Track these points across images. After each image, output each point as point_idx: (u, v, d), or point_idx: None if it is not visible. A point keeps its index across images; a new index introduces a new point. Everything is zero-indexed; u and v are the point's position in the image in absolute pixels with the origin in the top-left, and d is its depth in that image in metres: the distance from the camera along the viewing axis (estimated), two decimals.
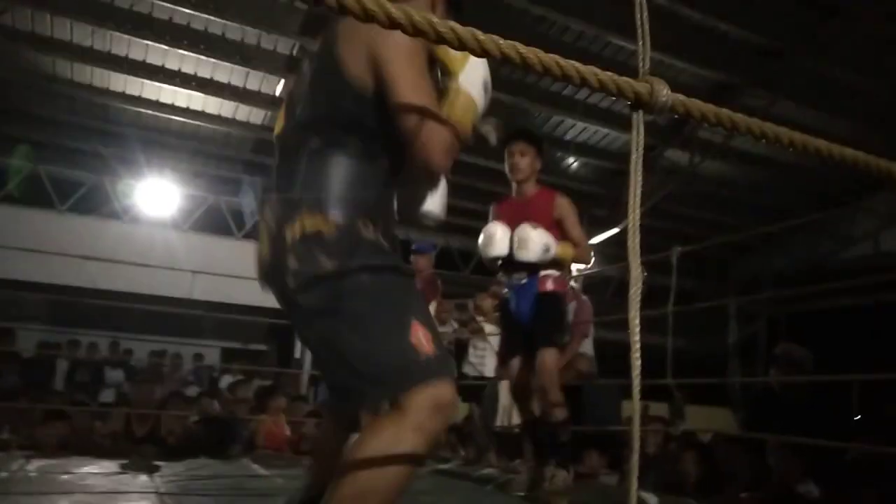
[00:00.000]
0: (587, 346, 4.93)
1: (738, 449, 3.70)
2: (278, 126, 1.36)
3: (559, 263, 2.89)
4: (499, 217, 3.03)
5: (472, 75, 1.34)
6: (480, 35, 0.83)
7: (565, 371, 4.75)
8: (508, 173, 3.01)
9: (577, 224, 2.95)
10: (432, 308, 4.94)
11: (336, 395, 1.32)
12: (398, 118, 1.19)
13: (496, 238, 2.87)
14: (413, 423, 1.07)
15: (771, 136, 0.93)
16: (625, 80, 0.90)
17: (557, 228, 2.89)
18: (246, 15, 6.15)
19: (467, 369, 5.37)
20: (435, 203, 1.49)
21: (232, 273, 6.17)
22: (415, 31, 0.76)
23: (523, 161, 2.93)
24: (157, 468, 3.59)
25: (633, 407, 0.79)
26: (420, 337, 1.12)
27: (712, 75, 6.94)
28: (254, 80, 7.09)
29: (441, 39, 0.73)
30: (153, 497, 2.76)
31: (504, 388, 4.91)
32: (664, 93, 0.91)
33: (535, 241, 2.76)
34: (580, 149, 8.41)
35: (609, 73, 0.90)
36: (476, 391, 5.20)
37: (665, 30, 5.73)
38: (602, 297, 6.69)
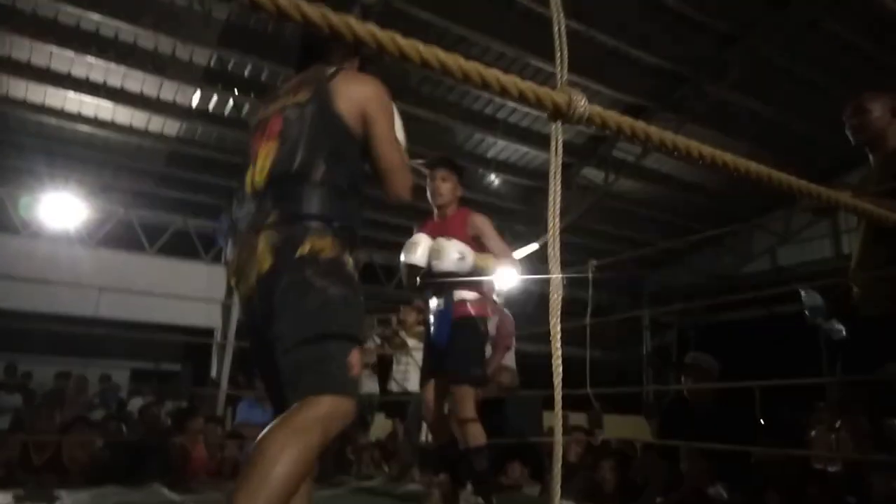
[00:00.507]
0: (509, 359, 5.01)
1: (654, 455, 3.86)
2: (268, 159, 1.59)
3: (481, 276, 2.90)
4: None
5: (397, 123, 1.71)
6: (400, 39, 0.84)
7: (487, 386, 4.82)
8: (430, 197, 3.10)
9: (495, 237, 3.00)
10: None
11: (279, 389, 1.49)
12: (380, 162, 1.61)
13: (418, 247, 2.92)
14: (314, 420, 1.32)
15: (682, 149, 0.98)
16: (544, 91, 0.94)
17: (476, 244, 2.94)
18: (160, 23, 5.94)
19: (391, 385, 5.34)
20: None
21: (144, 290, 5.93)
22: (333, 31, 0.76)
23: (444, 186, 3.04)
24: (56, 498, 3.36)
25: (555, 413, 0.81)
26: (355, 360, 1.45)
27: (626, 98, 7.29)
28: (168, 91, 6.82)
29: (360, 40, 0.73)
30: None
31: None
32: (582, 103, 0.95)
33: (449, 250, 2.81)
34: (501, 166, 8.61)
35: (529, 83, 0.93)
36: (400, 407, 5.17)
37: (581, 53, 5.98)
38: (523, 311, 6.82)
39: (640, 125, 1.04)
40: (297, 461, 1.25)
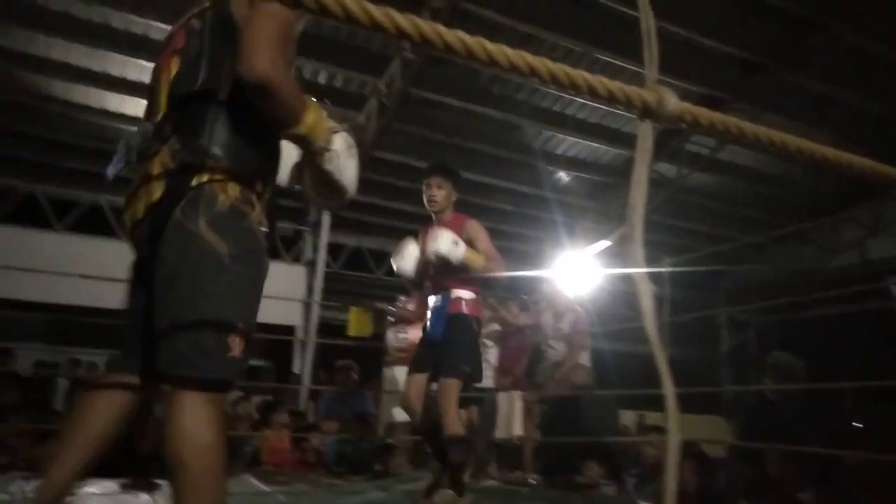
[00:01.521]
0: (584, 358, 4.99)
1: (737, 458, 3.76)
2: (169, 79, 1.42)
3: (472, 283, 3.05)
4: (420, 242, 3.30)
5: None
6: (489, 45, 0.88)
7: (562, 383, 4.82)
8: (426, 204, 3.22)
9: (488, 242, 3.15)
10: None
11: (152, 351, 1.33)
12: (245, 30, 1.28)
13: (406, 253, 3.17)
14: (216, 412, 1.24)
15: (778, 143, 0.98)
16: (633, 90, 0.95)
17: (471, 248, 3.08)
18: None
19: None
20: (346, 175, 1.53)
21: None
22: (403, 35, 0.81)
23: (440, 193, 3.16)
24: (157, 486, 3.57)
25: (669, 419, 0.81)
26: (236, 341, 1.27)
27: (699, 90, 7.09)
28: None
29: (450, 48, 0.77)
30: None
31: (503, 398, 4.96)
32: (672, 101, 0.96)
33: (444, 235, 2.96)
34: (570, 163, 8.53)
35: (617, 83, 0.95)
36: (472, 402, 5.23)
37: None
38: (598, 309, 6.76)
39: (732, 121, 1.04)
40: (220, 456, 1.25)
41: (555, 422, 4.70)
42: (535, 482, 4.55)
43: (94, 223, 7.76)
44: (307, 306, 8.09)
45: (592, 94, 0.94)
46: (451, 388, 2.89)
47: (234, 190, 1.31)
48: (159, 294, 1.30)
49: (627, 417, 7.10)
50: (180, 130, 1.34)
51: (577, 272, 7.41)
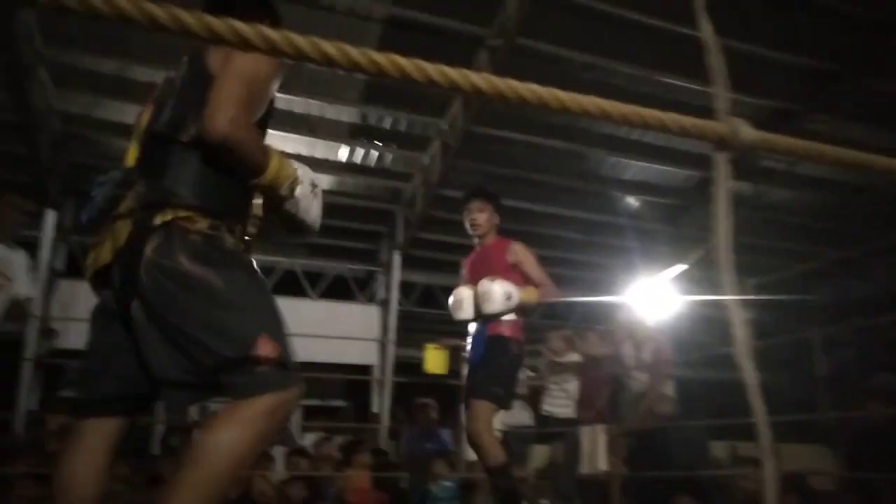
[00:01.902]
0: (668, 388, 4.82)
1: (845, 490, 3.52)
2: (143, 120, 1.48)
3: (525, 310, 2.95)
4: (465, 272, 3.23)
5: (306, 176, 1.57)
6: (562, 94, 0.91)
7: (647, 415, 4.67)
8: (469, 229, 3.17)
9: (535, 266, 3.02)
10: None
11: (161, 388, 1.34)
12: (213, 91, 1.33)
13: (463, 302, 3.03)
14: (250, 421, 1.21)
15: (865, 164, 0.95)
16: (706, 124, 0.95)
17: (516, 273, 2.98)
18: (310, 88, 6.55)
19: (546, 410, 5.32)
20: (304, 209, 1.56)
21: (310, 332, 6.39)
22: (456, 89, 0.85)
23: (481, 217, 3.11)
24: None
25: (763, 449, 0.79)
26: (266, 349, 1.25)
27: (770, 104, 6.87)
28: (320, 149, 7.45)
29: (523, 100, 0.81)
30: None
31: (586, 432, 4.84)
32: (746, 131, 0.96)
33: (496, 293, 2.85)
34: (639, 188, 8.39)
35: (690, 119, 0.96)
36: (555, 437, 5.13)
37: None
38: (680, 335, 6.54)
39: (811, 146, 1.02)
40: (235, 460, 1.21)
41: (642, 456, 4.54)
42: None
43: None
44: (382, 345, 8.21)
45: (665, 130, 0.95)
46: (482, 411, 2.74)
47: (202, 223, 1.32)
48: (153, 336, 1.28)
49: (719, 449, 6.75)
50: (146, 173, 1.39)
51: (655, 299, 7.21)
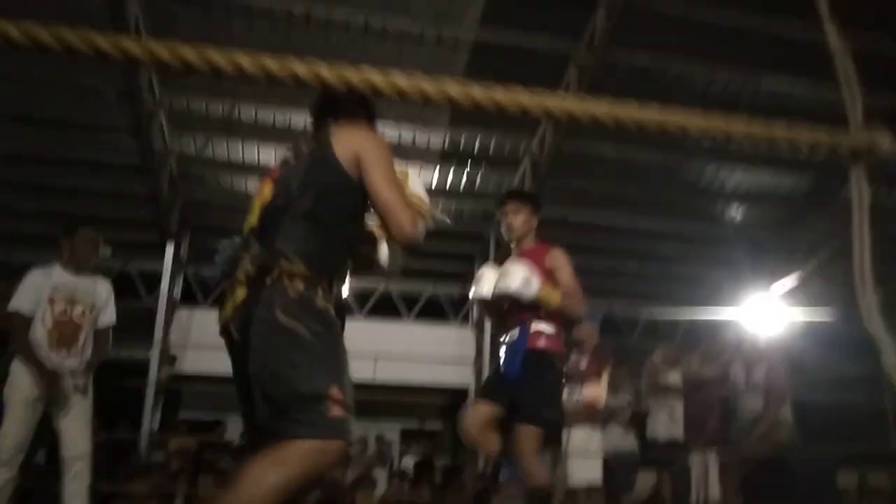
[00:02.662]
0: (785, 412, 4.50)
1: None
2: (260, 200, 1.71)
3: (555, 316, 2.78)
4: None
5: (416, 184, 1.82)
6: (676, 115, 0.87)
7: (763, 441, 4.36)
8: (504, 233, 3.07)
9: (570, 274, 2.86)
10: (605, 378, 4.81)
11: (252, 422, 1.54)
12: (377, 204, 1.63)
13: (483, 277, 2.94)
14: (296, 455, 1.36)
15: None
16: (840, 137, 0.88)
17: (553, 280, 2.81)
18: (401, 117, 6.74)
19: (650, 434, 5.10)
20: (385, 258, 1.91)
21: (406, 355, 6.56)
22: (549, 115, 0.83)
23: (517, 219, 2.97)
24: None
25: None
26: (335, 400, 1.42)
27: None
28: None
29: (663, 127, 0.78)
30: None
31: (696, 459, 4.60)
32: (887, 142, 0.87)
33: (517, 272, 2.73)
34: (745, 196, 7.96)
35: (821, 133, 0.88)
36: (662, 461, 4.90)
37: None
38: (796, 355, 6.09)
39: None
40: (273, 488, 1.33)
41: (759, 485, 4.24)
42: None
43: None
44: (477, 367, 8.21)
45: (793, 145, 0.89)
46: (533, 437, 2.63)
47: (300, 284, 1.52)
48: (255, 382, 1.50)
49: (846, 479, 6.20)
50: (262, 238, 1.61)
51: (766, 315, 6.77)
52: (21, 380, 3.30)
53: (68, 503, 3.30)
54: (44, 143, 6.79)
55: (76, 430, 3.37)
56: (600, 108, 0.87)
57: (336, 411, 1.41)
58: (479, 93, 0.85)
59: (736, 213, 8.23)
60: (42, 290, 3.46)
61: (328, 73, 0.80)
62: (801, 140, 0.87)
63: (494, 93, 0.85)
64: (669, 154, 7.19)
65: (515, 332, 2.79)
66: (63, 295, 3.49)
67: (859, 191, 0.87)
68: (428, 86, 0.82)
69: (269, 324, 1.48)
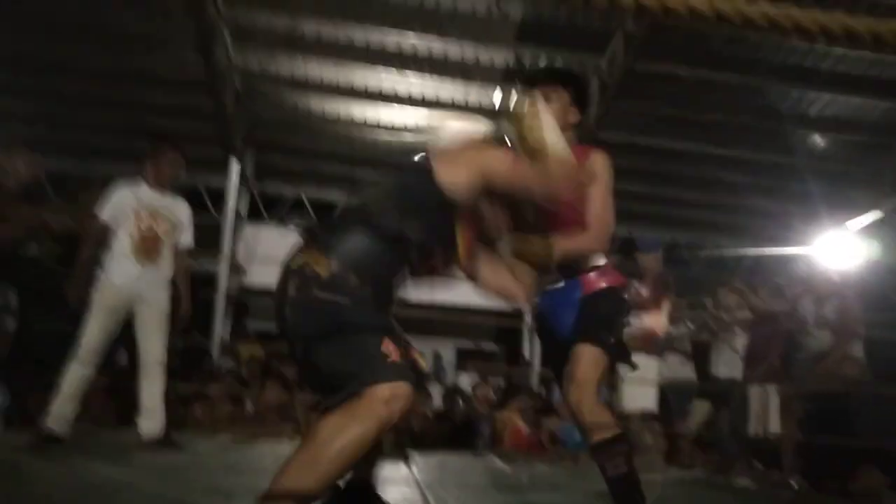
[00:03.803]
0: (857, 349, 4.35)
1: None
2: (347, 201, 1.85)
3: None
4: None
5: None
6: (771, 10, 0.78)
7: (829, 376, 4.25)
8: None
9: (601, 195, 2.12)
10: (665, 308, 4.74)
11: (323, 394, 1.58)
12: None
13: None
14: (368, 408, 1.40)
15: None
16: None
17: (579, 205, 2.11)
18: (464, 34, 6.50)
19: (715, 371, 5.05)
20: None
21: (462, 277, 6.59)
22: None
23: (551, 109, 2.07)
24: (409, 456, 3.91)
25: None
26: (389, 349, 1.47)
27: None
28: (474, 95, 7.43)
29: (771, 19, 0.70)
30: (415, 487, 3.03)
31: (755, 392, 4.54)
32: None
33: None
34: (827, 124, 7.44)
35: None
36: (722, 395, 4.87)
37: None
38: (871, 291, 5.82)
39: None
40: (349, 443, 1.38)
41: (822, 420, 4.16)
42: (796, 486, 4.09)
43: None
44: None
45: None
46: (589, 355, 2.00)
47: (330, 266, 1.55)
48: (302, 356, 1.57)
49: None
50: (320, 230, 1.72)
51: (842, 250, 6.46)
52: (106, 287, 3.50)
53: (146, 402, 3.56)
54: (109, 56, 6.91)
55: (152, 338, 3.58)
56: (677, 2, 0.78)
57: (395, 357, 1.47)
58: None
59: (818, 141, 7.73)
60: (127, 204, 3.61)
61: None
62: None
63: None
64: (749, 76, 6.73)
65: (560, 281, 2.15)
66: (149, 211, 3.63)
67: None
68: None
69: (304, 303, 1.54)
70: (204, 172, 8.25)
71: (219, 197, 8.31)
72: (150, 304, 3.58)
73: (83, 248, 3.59)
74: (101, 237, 3.58)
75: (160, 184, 3.71)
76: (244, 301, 8.74)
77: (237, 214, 8.26)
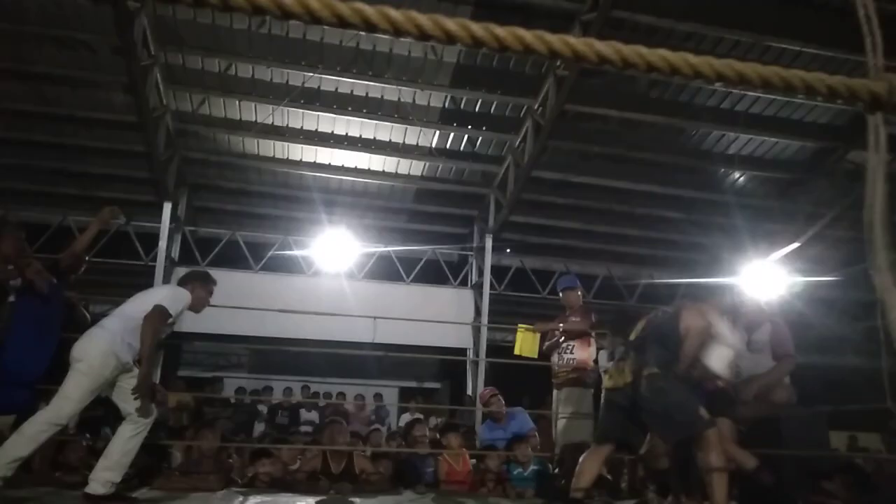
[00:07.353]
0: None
1: None
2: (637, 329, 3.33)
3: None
4: None
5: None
6: (692, 58, 0.83)
7: (761, 401, 4.37)
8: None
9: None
10: (593, 342, 4.81)
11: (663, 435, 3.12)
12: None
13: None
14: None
15: None
16: (859, 83, 0.85)
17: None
18: (400, 76, 6.62)
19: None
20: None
21: (405, 316, 6.58)
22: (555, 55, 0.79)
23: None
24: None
25: None
26: (702, 412, 2.92)
27: None
28: (412, 135, 7.52)
29: (674, 67, 0.75)
30: None
31: None
32: None
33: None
34: (746, 162, 7.89)
35: (839, 77, 0.85)
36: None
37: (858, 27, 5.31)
38: (792, 317, 6.11)
39: None
40: None
41: (754, 444, 4.28)
42: None
43: (284, 262, 8.48)
44: (476, 328, 8.24)
45: (810, 92, 0.86)
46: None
47: (657, 373, 3.07)
48: (647, 416, 3.22)
49: (837, 439, 6.29)
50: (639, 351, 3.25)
51: (765, 280, 6.77)
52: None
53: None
54: (36, 99, 6.67)
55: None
56: (607, 49, 0.82)
57: (706, 416, 2.99)
58: (479, 30, 0.80)
59: (738, 178, 8.17)
60: None
61: (317, 4, 0.73)
62: (817, 87, 0.83)
63: (495, 29, 0.79)
64: (673, 118, 7.11)
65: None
66: None
67: (877, 139, 0.83)
68: (425, 21, 0.77)
69: (653, 389, 3.02)
70: (137, 216, 7.98)
71: (151, 240, 8.02)
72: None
73: None
74: None
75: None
76: (176, 346, 8.39)
77: (169, 258, 7.97)
